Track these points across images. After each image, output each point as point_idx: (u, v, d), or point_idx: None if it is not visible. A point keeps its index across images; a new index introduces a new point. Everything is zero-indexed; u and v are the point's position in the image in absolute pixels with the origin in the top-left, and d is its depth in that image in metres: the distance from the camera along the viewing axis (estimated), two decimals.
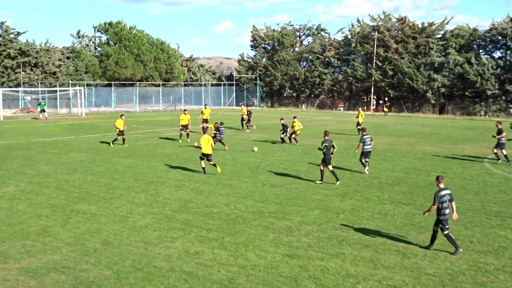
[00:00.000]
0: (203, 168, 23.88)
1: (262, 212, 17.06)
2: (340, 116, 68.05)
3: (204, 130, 25.45)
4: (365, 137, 24.61)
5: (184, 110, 38.01)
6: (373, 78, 78.55)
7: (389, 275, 11.75)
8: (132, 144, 34.33)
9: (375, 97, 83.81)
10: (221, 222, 15.85)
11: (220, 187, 21.09)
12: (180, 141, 36.09)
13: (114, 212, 17.02)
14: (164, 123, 52.54)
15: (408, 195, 19.85)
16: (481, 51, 75.80)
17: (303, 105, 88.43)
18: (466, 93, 73.18)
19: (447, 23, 78.57)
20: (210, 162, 23.86)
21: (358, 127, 41.42)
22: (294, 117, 35.89)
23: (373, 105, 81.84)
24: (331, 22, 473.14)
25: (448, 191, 13.52)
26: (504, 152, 27.91)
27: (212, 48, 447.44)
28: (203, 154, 23.82)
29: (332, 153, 22.15)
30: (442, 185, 13.56)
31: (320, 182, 22.03)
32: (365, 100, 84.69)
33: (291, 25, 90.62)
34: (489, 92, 70.57)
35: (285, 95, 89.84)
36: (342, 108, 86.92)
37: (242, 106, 49.99)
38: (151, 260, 12.52)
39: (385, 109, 73.82)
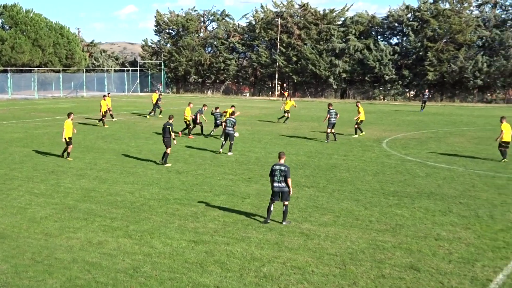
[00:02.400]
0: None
1: (167, 199, 16.94)
2: (246, 102, 68.51)
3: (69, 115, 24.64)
4: (331, 111, 30.35)
5: (104, 96, 39.20)
6: (277, 63, 79.56)
7: (293, 256, 12.03)
8: (31, 132, 33.00)
9: (279, 82, 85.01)
10: (126, 211, 15.61)
11: (125, 175, 20.73)
12: (104, 126, 36.36)
13: (12, 203, 16.33)
14: (65, 110, 50.84)
15: (311, 178, 20.34)
16: (379, 37, 78.71)
17: (209, 91, 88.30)
18: (366, 78, 75.89)
19: (347, 10, 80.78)
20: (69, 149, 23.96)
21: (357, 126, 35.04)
22: (232, 106, 34.00)
23: (277, 91, 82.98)
24: (236, 8, 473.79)
25: (281, 167, 14.28)
26: None
27: (116, 33, 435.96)
28: (70, 139, 23.90)
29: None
30: (281, 161, 14.52)
31: None
32: (270, 85, 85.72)
33: (195, 11, 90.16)
34: (387, 77, 73.38)
35: (190, 81, 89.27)
36: (247, 94, 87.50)
37: (157, 91, 49.97)
38: (52, 252, 12.14)
39: (286, 94, 72.63)
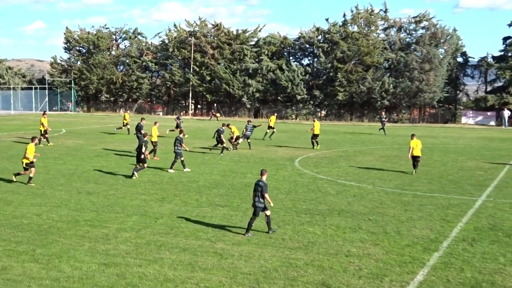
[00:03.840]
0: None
1: (77, 221, 16.43)
2: (159, 121, 67.74)
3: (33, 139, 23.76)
4: (248, 126, 35.63)
5: (44, 113, 38.83)
6: (191, 83, 79.42)
7: (206, 276, 11.95)
8: None
9: (193, 101, 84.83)
10: (32, 234, 14.99)
11: (32, 196, 19.94)
12: (48, 144, 35.89)
13: None
14: None
15: (225, 197, 20.35)
16: (291, 58, 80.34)
17: (121, 109, 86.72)
18: (279, 97, 77.18)
19: (259, 31, 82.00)
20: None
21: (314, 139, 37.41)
22: (228, 125, 36.25)
23: (191, 110, 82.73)
24: (149, 26, 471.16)
25: (259, 182, 15.51)
26: None
27: (22, 50, 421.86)
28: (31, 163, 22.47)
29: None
30: (263, 177, 15.78)
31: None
32: (184, 104, 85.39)
33: (106, 28, 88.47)
34: (299, 97, 74.92)
35: (102, 99, 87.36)
36: (161, 113, 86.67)
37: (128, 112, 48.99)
38: None
39: (217, 114, 71.73)
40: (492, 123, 70.41)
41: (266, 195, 15.23)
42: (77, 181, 23.01)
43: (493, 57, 76.93)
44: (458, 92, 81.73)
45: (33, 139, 23.56)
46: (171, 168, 26.13)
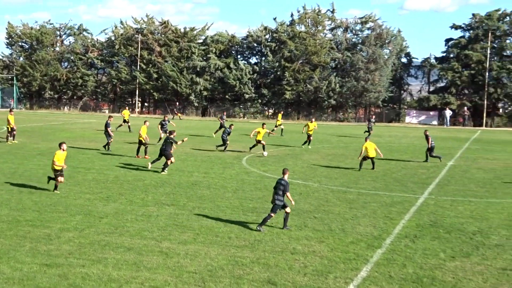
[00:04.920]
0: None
1: (18, 221, 15.99)
2: (105, 119, 66.69)
3: None
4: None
5: (11, 110, 38.10)
6: (137, 80, 78.50)
7: (151, 276, 11.83)
8: None
9: (140, 99, 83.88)
10: None
11: None
12: (12, 141, 35.35)
13: None
14: None
15: (171, 196, 20.20)
16: (239, 56, 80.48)
17: (65, 107, 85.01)
18: (227, 96, 77.18)
19: (207, 29, 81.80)
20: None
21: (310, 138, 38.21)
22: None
23: (138, 108, 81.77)
24: (94, 23, 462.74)
25: (281, 181, 15.69)
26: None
27: None
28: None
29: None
30: (284, 176, 15.93)
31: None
32: (130, 102, 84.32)
33: (50, 24, 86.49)
34: (246, 96, 75.10)
35: (45, 96, 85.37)
36: (107, 111, 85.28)
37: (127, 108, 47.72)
38: None
39: (179, 114, 70.24)
40: (435, 122, 72.31)
41: (288, 194, 15.66)
42: (18, 180, 22.42)
43: (436, 58, 79.01)
44: (402, 92, 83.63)
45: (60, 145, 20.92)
46: (162, 170, 25.39)
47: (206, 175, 24.98)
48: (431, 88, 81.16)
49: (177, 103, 74.72)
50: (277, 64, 74.42)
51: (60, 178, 20.41)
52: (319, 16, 76.59)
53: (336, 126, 64.97)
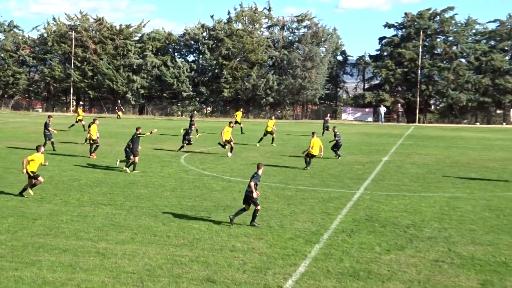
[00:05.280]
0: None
1: None
2: (38, 118, 64.95)
3: None
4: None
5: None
6: (72, 78, 76.73)
7: (88, 277, 11.60)
8: None
9: (74, 97, 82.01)
10: None
11: None
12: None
13: None
14: None
15: (108, 196, 19.86)
16: (176, 54, 79.90)
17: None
18: (164, 94, 76.38)
19: (144, 26, 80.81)
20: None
21: (271, 135, 38.67)
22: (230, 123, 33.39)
23: (73, 106, 79.88)
24: (26, 19, 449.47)
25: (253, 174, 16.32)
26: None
27: None
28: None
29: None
30: (259, 171, 16.39)
31: None
32: (65, 100, 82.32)
33: None
34: (184, 94, 74.65)
35: None
36: (40, 109, 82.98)
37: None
38: None
39: (119, 113, 68.96)
40: (370, 119, 73.90)
41: (252, 184, 15.91)
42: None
43: (370, 56, 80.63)
44: (338, 89, 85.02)
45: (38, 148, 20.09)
46: (133, 169, 25.30)
47: (144, 174, 24.68)
48: (366, 86, 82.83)
49: (119, 101, 73.31)
50: (214, 62, 74.29)
51: (40, 178, 19.67)
52: (256, 14, 76.93)
53: (274, 123, 65.29)
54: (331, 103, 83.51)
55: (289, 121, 71.23)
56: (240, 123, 46.99)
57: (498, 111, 79.05)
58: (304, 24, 77.69)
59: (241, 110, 51.82)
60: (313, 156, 27.51)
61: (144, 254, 13.20)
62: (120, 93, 75.90)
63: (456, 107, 73.66)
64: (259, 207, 16.09)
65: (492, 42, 76.96)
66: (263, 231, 15.51)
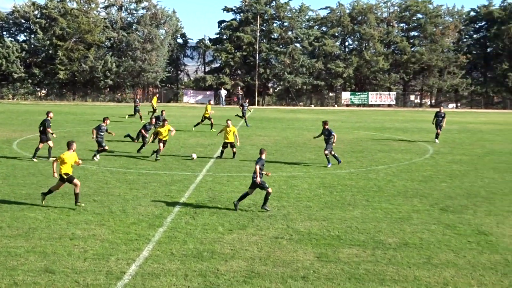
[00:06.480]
0: None
1: None
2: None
3: None
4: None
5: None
6: None
7: None
8: None
9: None
10: None
11: None
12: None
13: None
14: None
15: None
16: (5, 33, 74.83)
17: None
18: None
19: None
20: None
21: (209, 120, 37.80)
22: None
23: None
24: None
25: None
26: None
27: None
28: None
29: None
30: (262, 156, 16.50)
31: None
32: None
33: None
34: (15, 75, 70.26)
35: None
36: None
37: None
38: None
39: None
40: (212, 102, 74.78)
41: (257, 167, 16.07)
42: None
43: (210, 40, 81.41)
44: (179, 72, 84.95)
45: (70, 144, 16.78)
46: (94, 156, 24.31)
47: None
48: (207, 69, 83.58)
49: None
50: (48, 42, 70.68)
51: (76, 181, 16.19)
52: None
53: (114, 106, 63.79)
54: (172, 86, 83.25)
55: (130, 104, 69.83)
56: (155, 110, 44.01)
57: (331, 94, 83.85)
58: (142, 5, 76.51)
59: (210, 102, 46.60)
60: (226, 144, 26.06)
61: None
62: None
63: (292, 90, 76.86)
64: (270, 190, 16.31)
65: (324, 28, 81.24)
66: (105, 217, 15.09)
